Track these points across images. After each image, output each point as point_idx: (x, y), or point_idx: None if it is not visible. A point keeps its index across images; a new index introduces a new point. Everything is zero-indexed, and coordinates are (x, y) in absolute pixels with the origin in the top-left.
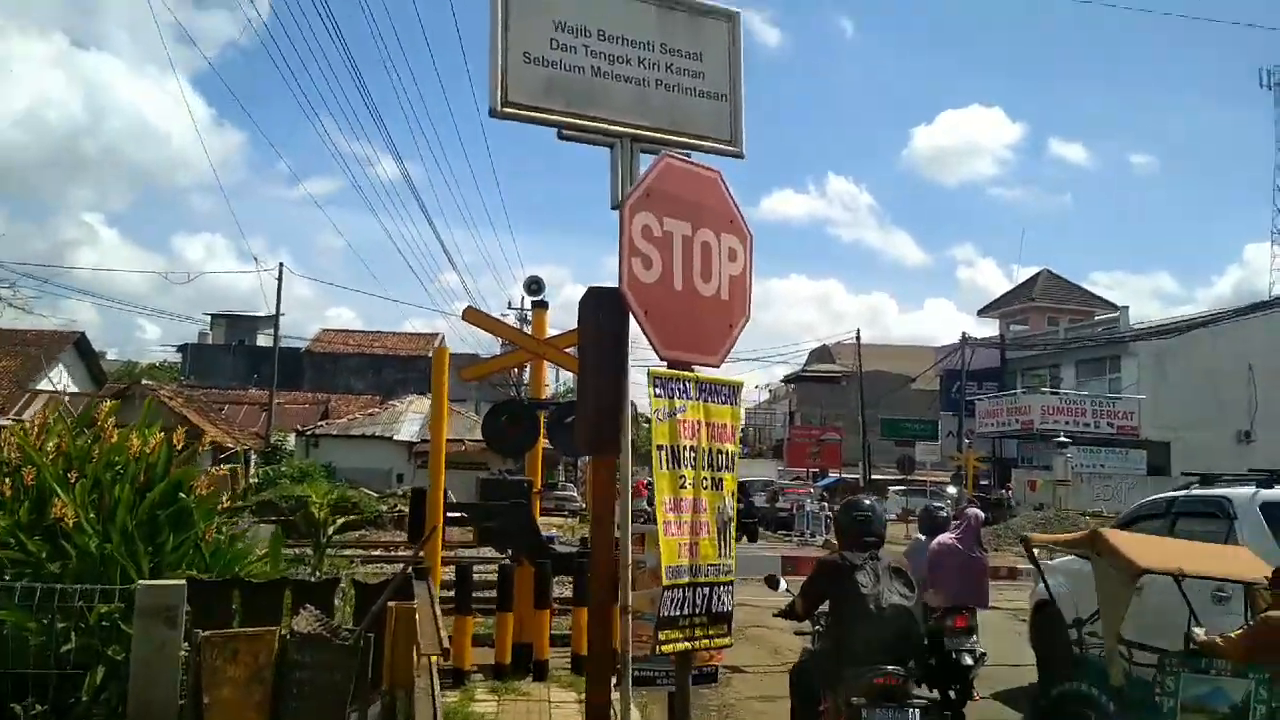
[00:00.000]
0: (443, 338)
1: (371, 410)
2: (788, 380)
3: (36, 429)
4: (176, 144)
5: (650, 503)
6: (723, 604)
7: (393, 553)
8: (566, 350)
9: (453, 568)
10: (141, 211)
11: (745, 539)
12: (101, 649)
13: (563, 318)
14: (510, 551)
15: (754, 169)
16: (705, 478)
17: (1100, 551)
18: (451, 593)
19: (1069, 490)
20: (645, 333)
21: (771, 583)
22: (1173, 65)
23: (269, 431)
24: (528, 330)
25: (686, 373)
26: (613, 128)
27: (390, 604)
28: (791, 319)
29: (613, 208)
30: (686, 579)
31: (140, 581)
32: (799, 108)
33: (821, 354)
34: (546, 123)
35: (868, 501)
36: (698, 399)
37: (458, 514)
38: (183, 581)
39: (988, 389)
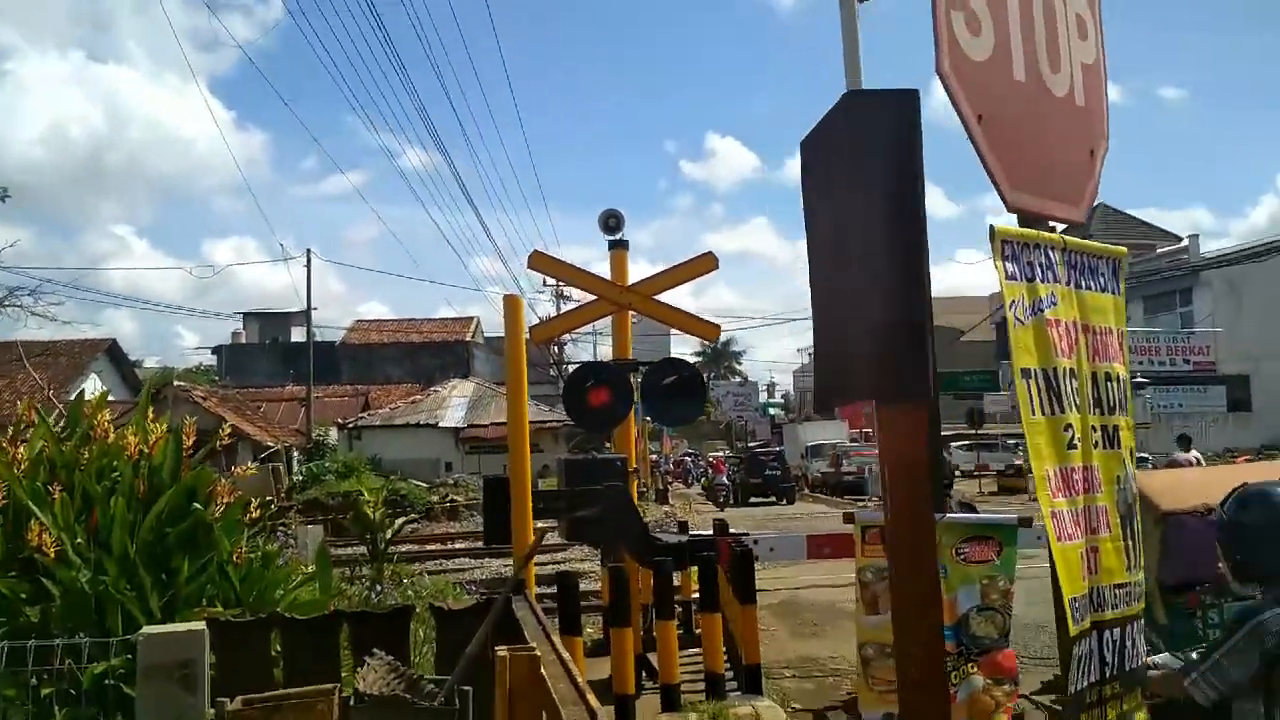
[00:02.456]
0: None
1: (414, 398)
2: None
3: (10, 432)
4: (199, 151)
5: (731, 478)
6: (1137, 653)
7: (451, 546)
8: (658, 299)
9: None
10: (170, 220)
11: (784, 501)
12: None
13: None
14: (609, 548)
15: (776, 132)
16: (1094, 426)
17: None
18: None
19: (1149, 433)
20: (981, 157)
21: None
22: None
23: (309, 427)
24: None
25: (1049, 235)
26: None
27: (502, 652)
28: None
29: None
30: (1089, 618)
31: (146, 629)
32: (817, 68)
33: None
34: None
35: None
36: (1068, 283)
37: (543, 503)
38: (201, 625)
39: None
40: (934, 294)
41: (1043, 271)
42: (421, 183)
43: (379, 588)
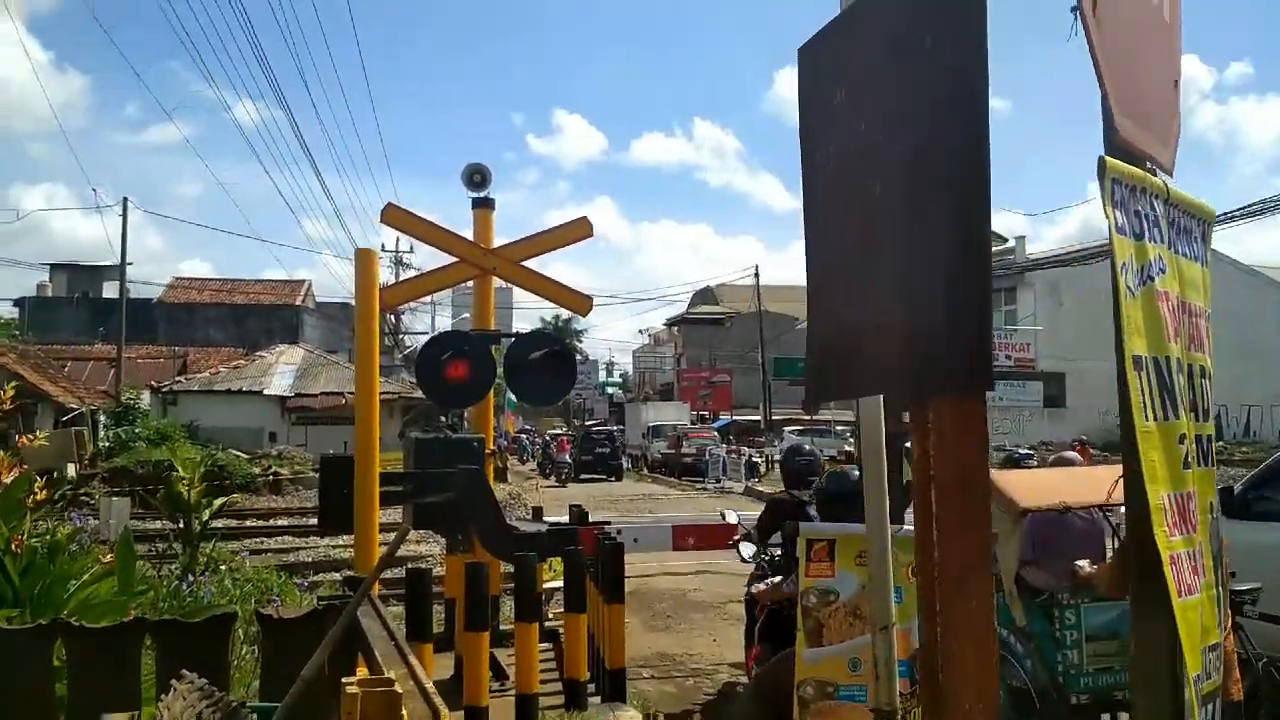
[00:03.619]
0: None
1: (236, 363)
2: (671, 323)
3: None
4: (14, 92)
5: (572, 457)
6: None
7: (274, 524)
8: (524, 264)
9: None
10: None
11: (614, 478)
12: None
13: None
14: (461, 538)
15: (623, 114)
16: (1196, 436)
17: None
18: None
19: None
20: (1092, 53)
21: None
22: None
23: (118, 389)
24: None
25: (1154, 180)
26: None
27: (352, 688)
28: (664, 264)
29: None
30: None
31: None
32: (668, 52)
33: (705, 296)
34: None
35: (808, 447)
36: (1169, 245)
37: (387, 486)
38: None
39: None
40: (770, 284)
41: (1149, 227)
42: (256, 136)
43: (189, 577)
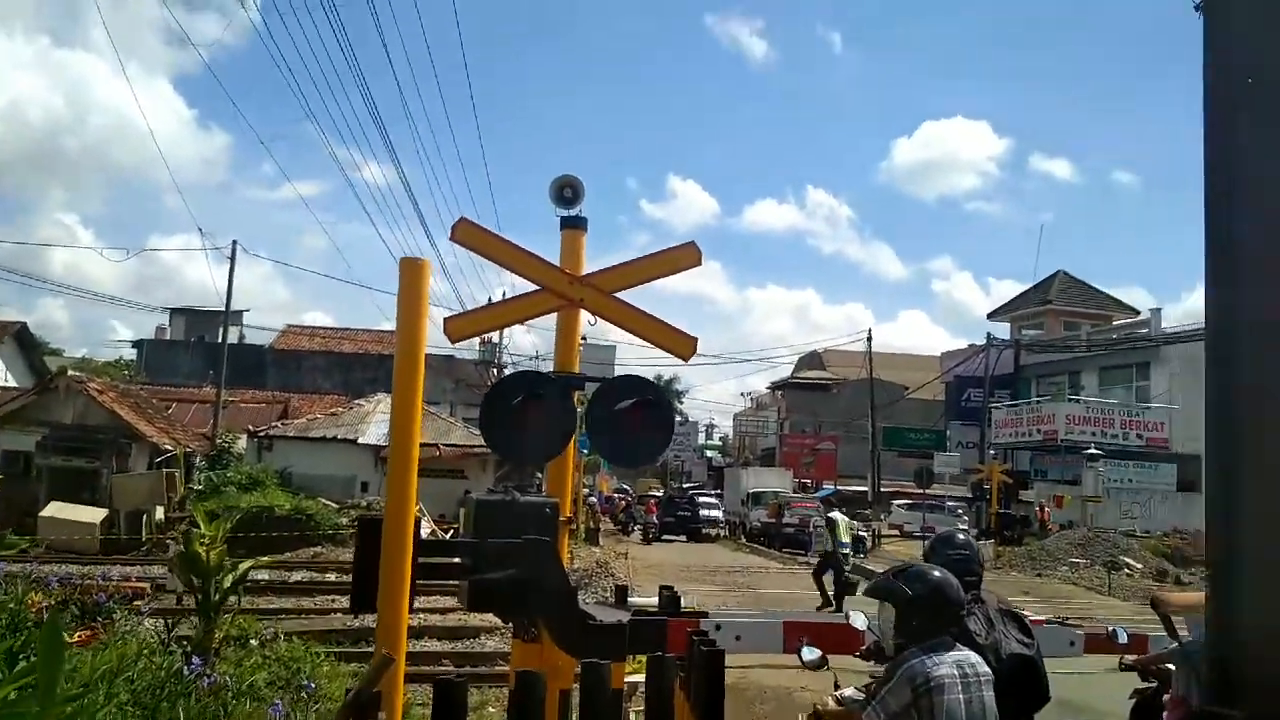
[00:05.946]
0: None
1: (335, 410)
2: (775, 386)
3: None
4: (161, 146)
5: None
6: None
7: (344, 580)
8: (619, 295)
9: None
10: (116, 212)
11: (688, 539)
12: None
13: None
14: (528, 624)
15: (737, 179)
16: None
17: None
18: None
19: (1099, 507)
20: None
21: (813, 665)
22: (1159, 80)
23: (215, 432)
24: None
25: None
26: None
27: None
28: (769, 329)
29: None
30: None
31: None
32: (783, 120)
33: (811, 360)
34: None
35: (961, 537)
36: None
37: (437, 557)
38: None
39: (999, 398)
40: (878, 350)
41: None
42: (372, 195)
43: (194, 662)
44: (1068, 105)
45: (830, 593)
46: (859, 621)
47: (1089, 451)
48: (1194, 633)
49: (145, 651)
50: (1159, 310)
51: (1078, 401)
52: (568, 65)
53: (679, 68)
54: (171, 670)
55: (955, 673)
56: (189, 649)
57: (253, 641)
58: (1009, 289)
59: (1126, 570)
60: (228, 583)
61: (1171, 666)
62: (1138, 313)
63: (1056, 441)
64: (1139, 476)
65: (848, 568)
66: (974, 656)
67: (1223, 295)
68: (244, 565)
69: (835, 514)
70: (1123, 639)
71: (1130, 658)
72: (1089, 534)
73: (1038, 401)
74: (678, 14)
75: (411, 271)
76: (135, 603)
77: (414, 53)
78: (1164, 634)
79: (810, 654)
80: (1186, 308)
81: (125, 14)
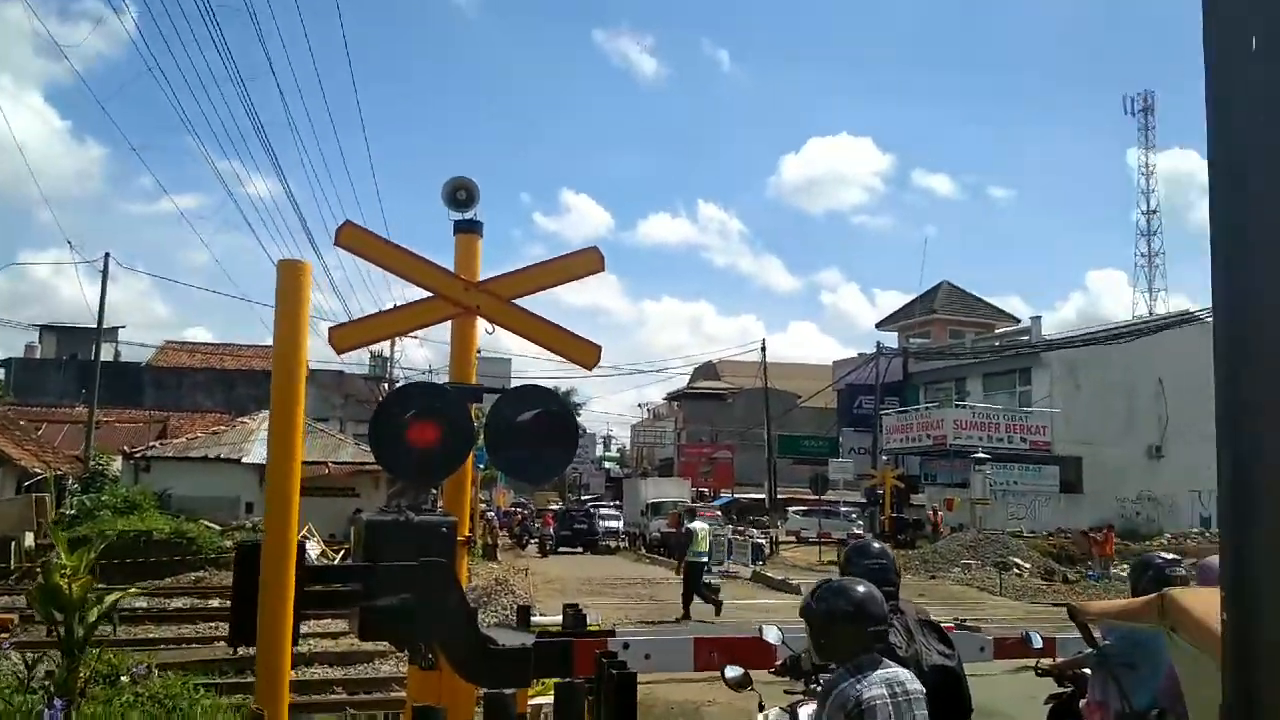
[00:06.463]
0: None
1: (217, 429)
2: (672, 397)
3: None
4: (31, 159)
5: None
6: None
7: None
8: (516, 300)
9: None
10: None
11: (586, 551)
12: None
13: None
14: (425, 650)
15: (630, 193)
16: None
17: (1175, 624)
18: None
19: (987, 509)
20: None
21: (736, 683)
22: (1032, 98)
23: (88, 453)
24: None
25: None
26: None
27: None
28: (664, 341)
29: None
30: None
31: None
32: (674, 135)
33: (707, 371)
34: None
35: (877, 545)
36: None
37: (322, 584)
38: None
39: (889, 404)
40: (772, 360)
41: None
42: (256, 209)
43: (55, 704)
44: (947, 123)
45: (690, 601)
46: (772, 636)
47: (976, 455)
48: (1109, 637)
49: (5, 691)
50: (1039, 318)
51: (965, 407)
52: (458, 80)
53: (570, 83)
54: (31, 714)
55: (886, 693)
56: (50, 690)
57: (124, 679)
58: (895, 300)
59: (1016, 570)
60: (94, 616)
61: (1088, 671)
62: (1019, 321)
63: (945, 446)
64: (1024, 478)
65: (708, 575)
66: (904, 673)
67: (1237, 280)
68: (111, 596)
69: (696, 524)
70: (1037, 643)
71: (1046, 662)
72: (979, 536)
73: (926, 408)
74: (567, 30)
75: (290, 274)
76: (1, 635)
77: (298, 62)
78: (1077, 637)
79: (733, 673)
80: (1062, 316)
81: None
